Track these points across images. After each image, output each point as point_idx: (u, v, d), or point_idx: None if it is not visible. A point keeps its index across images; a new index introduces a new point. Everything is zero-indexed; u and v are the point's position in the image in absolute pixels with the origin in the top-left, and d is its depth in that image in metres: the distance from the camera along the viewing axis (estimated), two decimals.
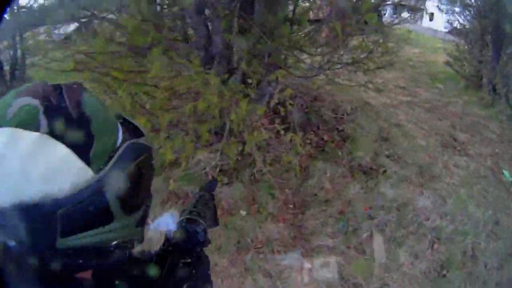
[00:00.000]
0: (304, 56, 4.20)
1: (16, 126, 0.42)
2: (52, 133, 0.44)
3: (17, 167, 0.42)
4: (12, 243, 0.44)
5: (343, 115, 5.52)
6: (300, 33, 3.79)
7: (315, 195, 3.86)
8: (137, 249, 0.60)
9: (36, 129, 0.43)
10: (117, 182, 0.48)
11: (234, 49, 3.37)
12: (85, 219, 0.46)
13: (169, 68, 2.69)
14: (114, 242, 0.52)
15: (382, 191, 4.14)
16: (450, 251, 3.50)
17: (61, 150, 0.44)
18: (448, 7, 9.59)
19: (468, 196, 4.30)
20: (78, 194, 0.45)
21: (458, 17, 9.46)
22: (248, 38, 2.98)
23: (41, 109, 0.44)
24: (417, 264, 3.31)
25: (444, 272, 3.30)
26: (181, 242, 0.80)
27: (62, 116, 0.45)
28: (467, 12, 8.86)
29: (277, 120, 3.60)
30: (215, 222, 0.96)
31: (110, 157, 0.49)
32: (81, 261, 0.49)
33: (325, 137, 4.86)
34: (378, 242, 3.40)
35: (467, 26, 9.08)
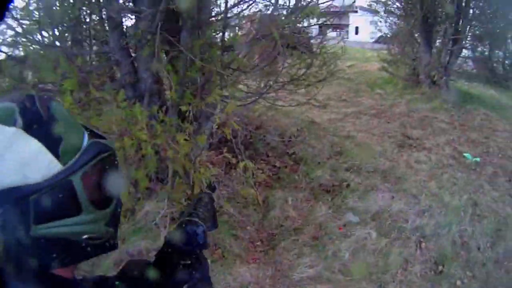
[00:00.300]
0: (240, 85, 4.48)
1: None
2: (26, 130, 0.58)
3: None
4: None
5: (290, 138, 5.90)
6: (231, 56, 3.97)
7: (281, 226, 4.04)
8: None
9: (13, 125, 0.57)
10: (83, 174, 0.62)
11: (163, 81, 3.60)
12: (55, 207, 0.59)
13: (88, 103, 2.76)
14: (84, 236, 0.63)
15: (351, 206, 4.45)
16: (439, 246, 3.83)
17: (34, 144, 0.57)
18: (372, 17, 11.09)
19: (438, 187, 4.82)
20: (48, 181, 0.58)
21: (383, 24, 11.03)
22: (177, 66, 3.22)
23: (17, 109, 0.58)
24: (410, 268, 3.56)
25: (440, 268, 3.58)
26: (181, 244, 0.90)
27: (34, 116, 0.59)
28: (391, 18, 10.52)
29: (225, 152, 3.72)
30: (214, 224, 1.07)
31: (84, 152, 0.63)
32: (54, 254, 0.61)
33: (277, 164, 5.12)
34: (361, 259, 3.65)
35: (393, 30, 10.70)
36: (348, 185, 4.76)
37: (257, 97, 4.40)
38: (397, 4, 10.09)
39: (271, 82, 4.37)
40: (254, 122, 6.13)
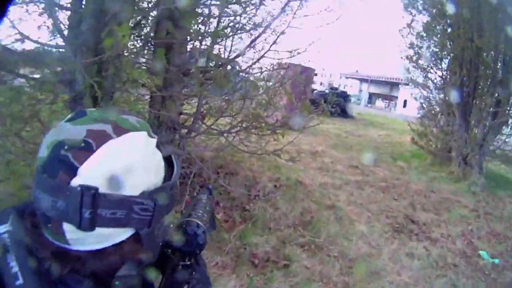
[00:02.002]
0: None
1: (147, 132, 0.69)
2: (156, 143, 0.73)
3: (149, 162, 0.68)
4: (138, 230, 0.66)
5: (258, 193, 4.94)
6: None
7: None
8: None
9: (152, 137, 0.70)
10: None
11: None
12: (172, 200, 0.72)
13: None
14: (171, 225, 0.87)
15: None
16: None
17: (159, 154, 0.72)
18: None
19: None
20: (171, 182, 0.71)
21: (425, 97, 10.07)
22: None
23: (148, 125, 0.72)
24: None
25: None
26: (181, 244, 0.91)
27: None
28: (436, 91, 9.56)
29: None
30: (213, 225, 1.09)
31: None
32: (164, 237, 0.80)
33: (220, 215, 4.13)
34: None
35: (431, 100, 9.71)
36: (287, 265, 3.51)
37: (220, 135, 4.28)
38: (438, 72, 9.10)
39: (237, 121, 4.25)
40: (229, 165, 5.48)
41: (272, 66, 4.58)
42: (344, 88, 38.05)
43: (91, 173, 0.59)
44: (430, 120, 9.40)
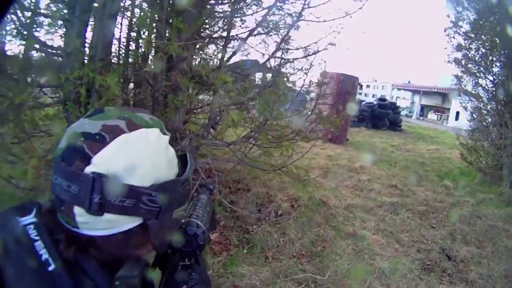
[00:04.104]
0: None
1: (159, 129, 0.76)
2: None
3: (161, 157, 0.74)
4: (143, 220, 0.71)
5: (269, 215, 4.63)
6: None
7: None
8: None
9: (165, 134, 0.77)
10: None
11: None
12: (184, 195, 0.79)
13: None
14: (182, 220, 0.90)
15: None
16: None
17: (172, 151, 0.78)
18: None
19: None
20: (183, 177, 0.77)
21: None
22: None
23: (163, 123, 0.80)
24: None
25: None
26: (182, 245, 0.93)
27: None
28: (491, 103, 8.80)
29: None
30: (213, 225, 1.12)
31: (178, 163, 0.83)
32: (175, 231, 0.83)
33: (213, 237, 3.91)
34: None
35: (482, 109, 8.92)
36: None
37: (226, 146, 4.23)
38: (489, 77, 8.32)
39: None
40: (245, 180, 5.29)
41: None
42: (396, 99, 37.32)
43: (104, 162, 0.66)
44: (480, 133, 8.60)
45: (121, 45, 3.48)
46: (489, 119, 8.29)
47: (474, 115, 8.88)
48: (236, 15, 4.09)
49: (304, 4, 3.87)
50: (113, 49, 3.31)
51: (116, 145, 0.67)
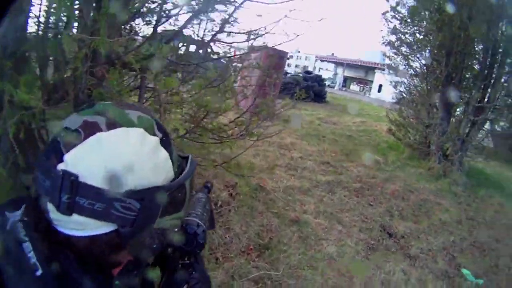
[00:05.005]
0: None
1: (145, 129, 0.70)
2: (160, 142, 0.72)
3: (141, 161, 0.67)
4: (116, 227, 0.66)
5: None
6: None
7: None
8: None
9: (154, 135, 0.71)
10: (190, 180, 0.79)
11: None
12: (174, 203, 0.75)
13: None
14: (176, 229, 0.80)
15: None
16: None
17: (164, 153, 0.72)
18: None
19: None
20: (175, 184, 0.73)
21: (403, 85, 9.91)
22: None
23: (155, 123, 0.74)
24: None
25: None
26: (181, 244, 0.90)
27: (163, 131, 0.75)
28: (415, 79, 9.39)
29: None
30: (212, 224, 1.11)
31: (179, 165, 0.78)
32: (162, 241, 0.74)
33: None
34: None
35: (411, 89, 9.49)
36: None
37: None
38: (421, 60, 8.93)
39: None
40: None
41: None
42: (319, 71, 38.48)
43: (75, 161, 0.63)
44: (410, 111, 9.18)
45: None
46: (418, 99, 8.75)
47: (404, 94, 9.38)
48: None
49: None
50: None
51: (89, 144, 0.64)
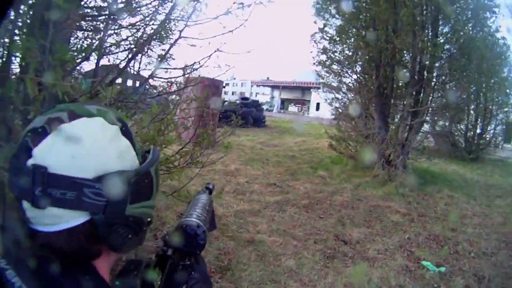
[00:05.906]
0: None
1: (104, 119, 0.72)
2: (121, 130, 0.75)
3: (104, 147, 0.70)
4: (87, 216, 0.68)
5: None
6: None
7: None
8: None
9: (114, 124, 0.74)
10: (155, 167, 0.80)
11: None
12: (142, 190, 0.75)
13: None
14: (148, 219, 0.79)
15: None
16: None
17: (125, 141, 0.75)
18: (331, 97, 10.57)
19: None
20: (140, 169, 0.74)
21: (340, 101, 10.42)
22: None
23: (113, 114, 0.76)
24: None
25: None
26: (182, 245, 0.96)
27: (123, 122, 0.78)
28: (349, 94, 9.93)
29: None
30: (213, 225, 1.17)
31: (142, 156, 0.81)
32: (136, 229, 0.75)
33: None
34: None
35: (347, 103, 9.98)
36: None
37: None
38: (353, 76, 9.51)
39: None
40: None
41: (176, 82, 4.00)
42: (256, 96, 39.24)
43: (43, 154, 0.65)
44: (347, 123, 9.65)
45: None
46: (354, 112, 9.19)
47: (340, 109, 9.87)
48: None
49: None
50: None
51: (54, 136, 0.67)
